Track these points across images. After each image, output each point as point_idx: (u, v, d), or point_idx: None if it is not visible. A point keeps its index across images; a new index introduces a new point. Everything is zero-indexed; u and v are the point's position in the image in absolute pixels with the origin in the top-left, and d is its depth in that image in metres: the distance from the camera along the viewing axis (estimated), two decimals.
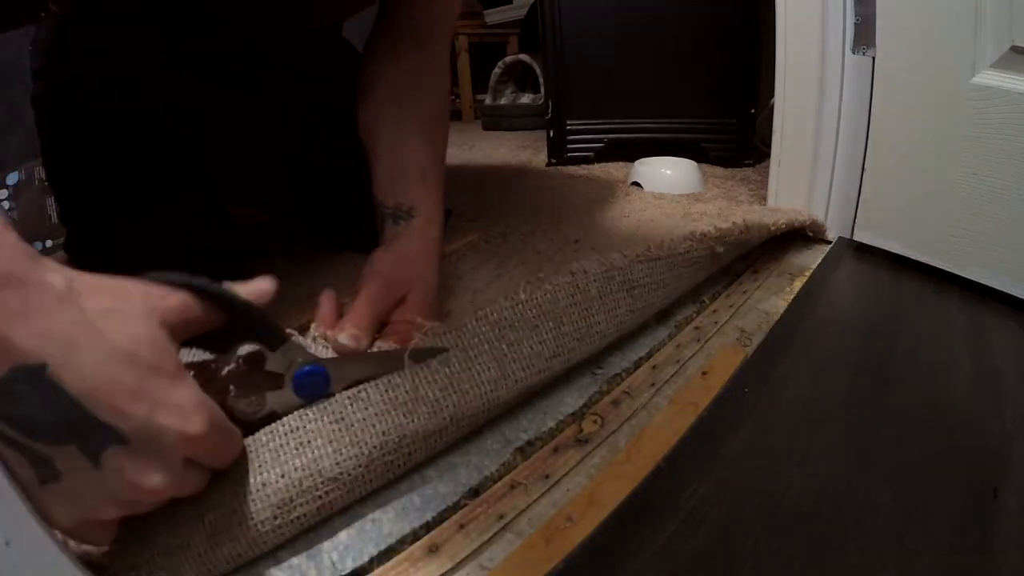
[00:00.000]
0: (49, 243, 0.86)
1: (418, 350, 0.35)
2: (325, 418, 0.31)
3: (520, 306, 0.39)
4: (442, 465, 0.35)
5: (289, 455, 0.30)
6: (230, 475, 0.28)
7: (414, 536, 0.30)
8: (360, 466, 0.31)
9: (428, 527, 0.31)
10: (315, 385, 0.32)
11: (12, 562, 0.20)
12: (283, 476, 0.29)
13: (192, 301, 0.27)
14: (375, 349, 0.41)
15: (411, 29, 0.56)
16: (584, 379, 0.43)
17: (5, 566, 0.20)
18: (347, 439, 0.31)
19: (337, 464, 0.30)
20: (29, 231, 0.85)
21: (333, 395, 0.32)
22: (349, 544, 0.30)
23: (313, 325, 0.44)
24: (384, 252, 0.48)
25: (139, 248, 0.50)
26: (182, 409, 0.24)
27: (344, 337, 0.40)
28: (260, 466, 0.29)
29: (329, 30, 0.71)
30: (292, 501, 0.29)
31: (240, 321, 0.29)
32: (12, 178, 0.86)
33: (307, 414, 0.31)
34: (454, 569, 0.29)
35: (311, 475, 0.29)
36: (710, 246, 0.51)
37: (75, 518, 0.24)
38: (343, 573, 0.28)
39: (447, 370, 0.35)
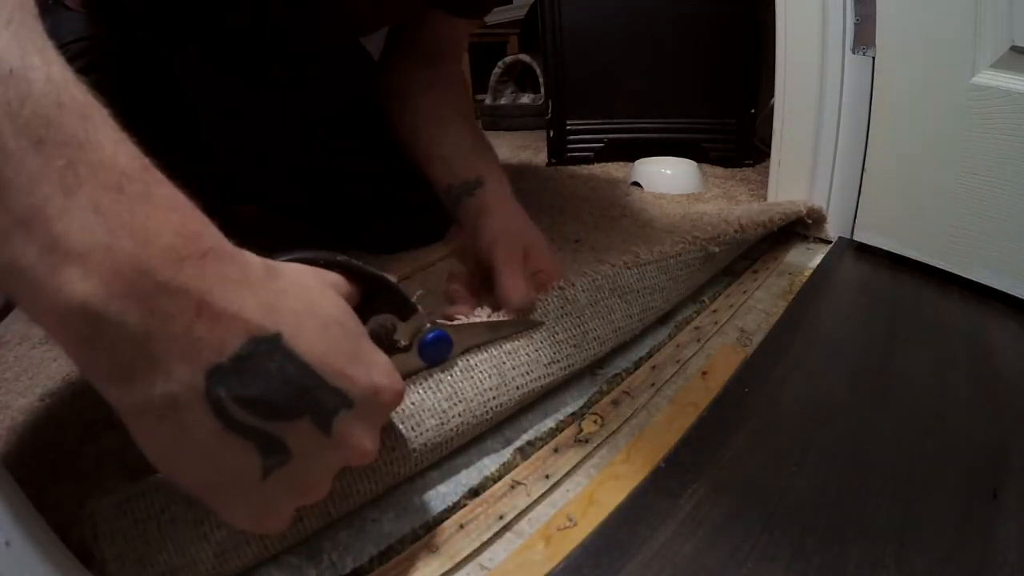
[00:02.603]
0: None
1: (516, 322, 0.38)
2: None
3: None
4: (442, 465, 0.35)
5: None
6: None
7: (414, 536, 0.30)
8: (365, 479, 0.31)
9: (428, 527, 0.31)
10: (440, 351, 0.35)
11: (12, 562, 0.20)
12: None
13: (342, 277, 0.27)
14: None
15: (425, 44, 0.59)
16: (584, 379, 0.43)
17: (5, 566, 0.20)
18: None
19: (340, 481, 0.30)
20: None
21: (455, 359, 0.36)
22: (349, 544, 0.30)
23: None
24: (487, 219, 0.49)
25: None
26: (388, 369, 0.25)
27: (516, 298, 0.40)
28: None
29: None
30: (300, 519, 0.29)
31: (377, 293, 0.30)
32: None
33: None
34: (454, 569, 0.29)
35: None
36: (703, 247, 0.51)
37: (292, 505, 0.24)
38: (343, 573, 0.28)
39: (449, 377, 0.35)
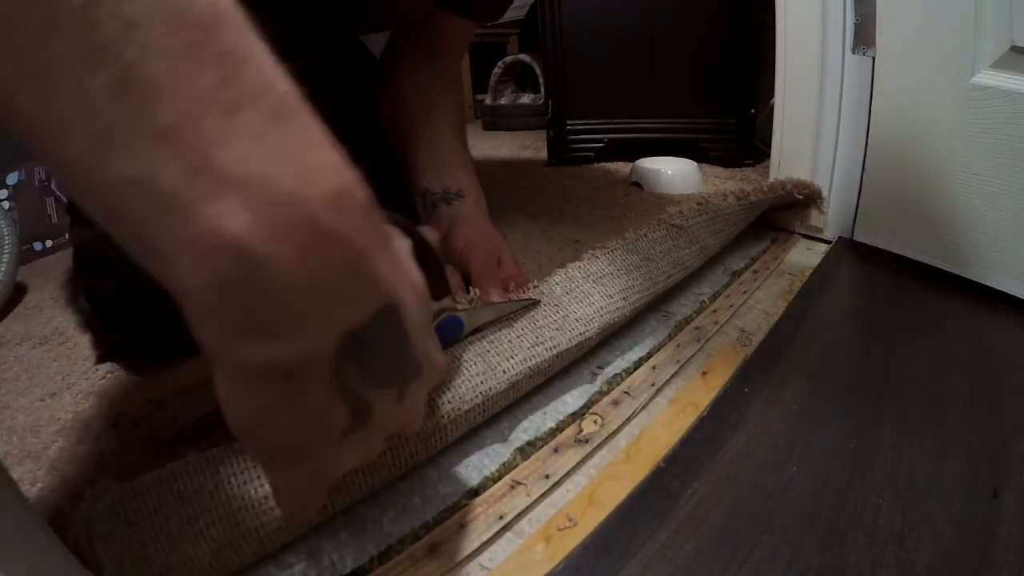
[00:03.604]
0: (49, 243, 0.86)
1: (517, 301, 0.41)
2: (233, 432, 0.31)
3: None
4: (442, 465, 0.35)
5: None
6: (227, 490, 0.28)
7: (414, 536, 0.30)
8: (362, 472, 0.31)
9: (428, 527, 0.31)
10: (454, 333, 0.37)
11: (11, 562, 0.20)
12: None
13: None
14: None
15: (427, 44, 0.60)
16: (584, 379, 0.43)
17: (4, 566, 0.20)
18: None
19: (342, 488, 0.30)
20: (29, 231, 0.85)
21: (463, 340, 0.38)
22: (349, 544, 0.30)
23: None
24: (461, 227, 0.52)
25: None
26: (436, 341, 0.25)
27: (495, 293, 0.44)
28: (260, 476, 0.28)
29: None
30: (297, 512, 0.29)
31: (420, 258, 0.30)
32: (12, 178, 0.86)
33: None
34: (454, 569, 0.29)
35: None
36: (666, 224, 0.53)
37: (348, 466, 0.23)
38: (343, 573, 0.28)
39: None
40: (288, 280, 0.16)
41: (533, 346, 0.39)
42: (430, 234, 0.32)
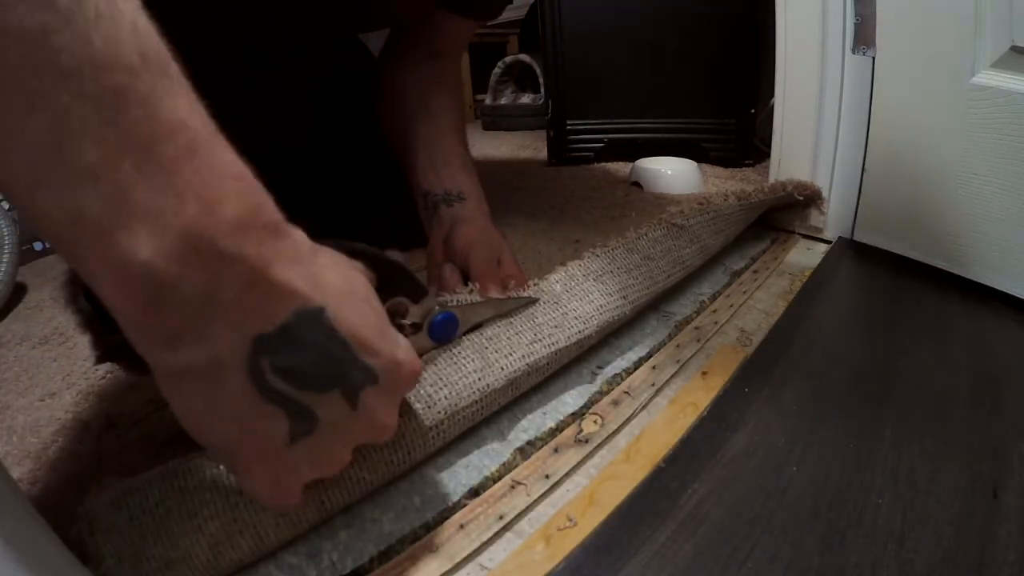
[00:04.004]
0: (49, 243, 0.86)
1: (517, 299, 0.41)
2: None
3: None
4: (442, 465, 0.35)
5: None
6: (225, 485, 0.28)
7: (414, 536, 0.30)
8: (361, 468, 0.31)
9: (428, 527, 0.31)
10: (448, 330, 0.37)
11: (11, 561, 0.20)
12: None
13: (362, 263, 0.28)
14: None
15: (427, 43, 0.60)
16: (584, 379, 0.43)
17: (3, 565, 0.20)
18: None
19: (338, 487, 0.30)
20: (29, 231, 0.85)
21: (461, 337, 0.38)
22: (349, 544, 0.30)
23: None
24: (463, 227, 0.52)
25: None
26: (407, 348, 0.26)
27: (494, 291, 0.44)
28: None
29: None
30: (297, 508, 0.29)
31: (392, 277, 0.32)
32: None
33: None
34: (454, 569, 0.29)
35: (316, 495, 0.29)
36: (666, 224, 0.53)
37: (311, 475, 0.24)
38: (343, 573, 0.28)
39: (434, 366, 0.35)
40: (193, 294, 0.18)
41: (531, 343, 0.39)
42: (395, 255, 0.34)
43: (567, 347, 0.41)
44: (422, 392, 0.34)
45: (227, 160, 0.19)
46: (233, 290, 0.19)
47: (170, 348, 0.19)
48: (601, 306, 0.43)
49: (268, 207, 0.20)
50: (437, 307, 0.36)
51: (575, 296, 0.43)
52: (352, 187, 0.67)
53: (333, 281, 0.22)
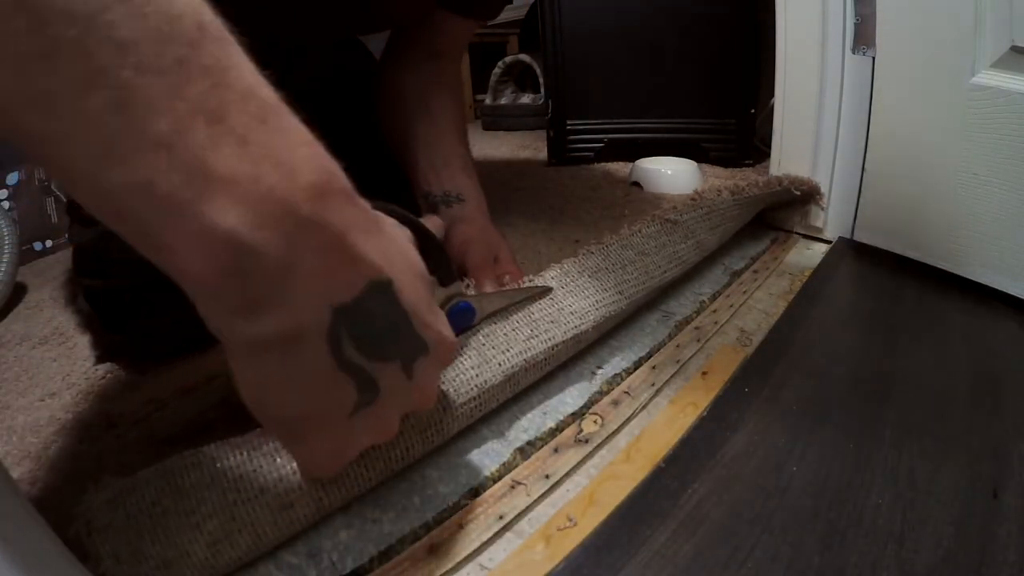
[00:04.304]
0: (49, 243, 0.86)
1: (530, 288, 0.42)
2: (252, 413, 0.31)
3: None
4: (442, 465, 0.35)
5: (286, 459, 0.29)
6: (223, 483, 0.28)
7: (414, 536, 0.30)
8: (361, 467, 0.31)
9: (428, 527, 0.31)
10: (466, 319, 0.38)
11: (11, 561, 0.20)
12: (280, 480, 0.29)
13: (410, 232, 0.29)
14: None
15: (428, 44, 0.61)
16: (584, 379, 0.43)
17: (3, 565, 0.20)
18: None
19: (338, 488, 0.30)
20: (29, 231, 0.85)
21: (478, 327, 0.39)
22: (349, 544, 0.30)
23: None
24: (461, 226, 0.53)
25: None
26: (447, 323, 0.27)
27: (490, 284, 0.47)
28: (255, 471, 0.29)
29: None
30: (292, 505, 0.29)
31: (428, 253, 0.31)
32: (12, 178, 0.86)
33: None
34: (454, 569, 0.29)
35: (313, 495, 0.29)
36: (660, 219, 0.53)
37: (366, 443, 0.25)
38: (343, 573, 0.28)
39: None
40: (276, 263, 0.18)
41: (528, 339, 0.39)
42: (433, 223, 0.33)
43: (564, 342, 0.41)
44: None
45: (297, 127, 0.19)
46: (314, 258, 0.19)
47: (249, 318, 0.19)
48: (597, 301, 0.44)
49: (340, 174, 0.20)
50: (457, 297, 0.37)
51: (570, 292, 0.44)
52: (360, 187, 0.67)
53: (396, 253, 0.23)
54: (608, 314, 0.44)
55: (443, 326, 0.26)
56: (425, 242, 0.31)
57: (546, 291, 0.42)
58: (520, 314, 0.41)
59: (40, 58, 0.15)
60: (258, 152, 0.18)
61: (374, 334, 0.22)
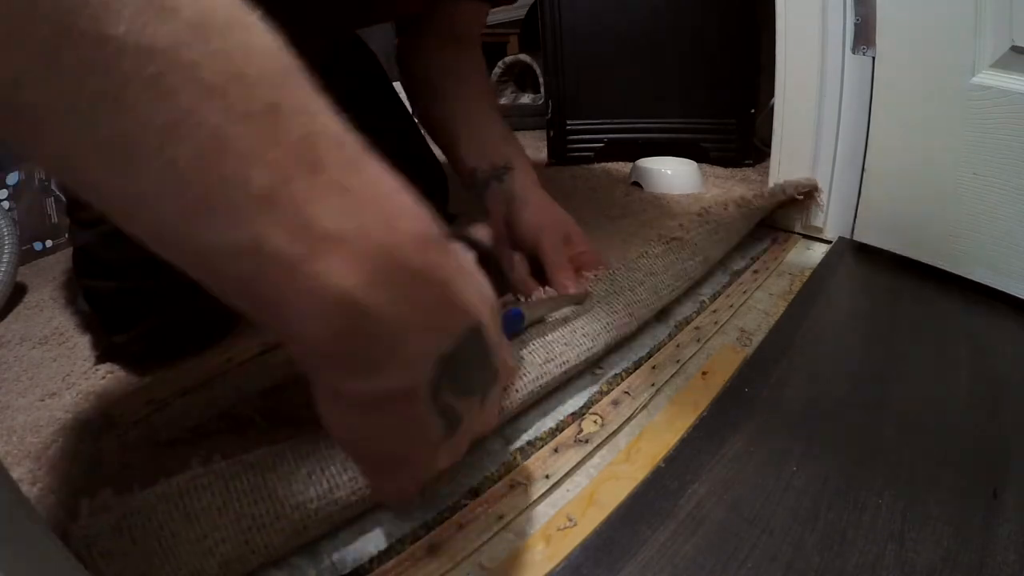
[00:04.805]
0: (49, 243, 0.86)
1: (570, 296, 0.44)
2: (338, 445, 0.30)
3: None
4: None
5: (302, 485, 0.29)
6: (236, 508, 0.28)
7: (414, 536, 0.30)
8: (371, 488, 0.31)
9: (428, 527, 0.31)
10: (515, 325, 0.39)
11: (10, 561, 0.20)
12: (297, 508, 0.28)
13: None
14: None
15: (448, 29, 0.61)
16: (584, 379, 0.43)
17: (3, 565, 0.20)
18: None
19: (353, 493, 0.30)
20: (29, 231, 0.85)
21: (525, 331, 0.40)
22: (349, 544, 0.30)
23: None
24: (523, 209, 0.52)
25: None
26: (510, 347, 0.26)
27: (572, 287, 0.47)
28: (270, 495, 0.28)
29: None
30: (307, 528, 0.29)
31: (487, 270, 0.32)
32: (12, 178, 0.86)
33: (320, 440, 0.30)
34: (454, 569, 0.29)
35: (327, 504, 0.29)
36: (665, 239, 0.54)
37: (444, 465, 0.24)
38: (343, 573, 0.28)
39: None
40: (389, 321, 0.17)
41: (544, 363, 0.39)
42: (483, 234, 0.34)
43: (575, 365, 0.41)
44: None
45: (386, 173, 0.18)
46: (425, 313, 0.18)
47: (363, 377, 0.18)
48: (608, 324, 0.44)
49: (432, 220, 0.19)
50: (508, 304, 0.38)
51: (584, 311, 0.44)
52: None
53: (478, 291, 0.21)
54: (619, 336, 0.45)
55: (508, 352, 0.25)
56: (485, 259, 0.31)
57: (585, 297, 0.44)
58: (536, 339, 0.41)
59: (112, 100, 0.13)
60: (360, 203, 0.16)
61: (466, 375, 0.21)
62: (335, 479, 0.29)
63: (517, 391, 0.37)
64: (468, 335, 0.20)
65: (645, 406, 0.40)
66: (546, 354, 0.40)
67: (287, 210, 0.15)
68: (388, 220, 0.17)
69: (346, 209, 0.16)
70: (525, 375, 0.38)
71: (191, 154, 0.14)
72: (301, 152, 0.15)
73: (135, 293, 0.46)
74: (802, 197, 0.66)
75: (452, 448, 0.24)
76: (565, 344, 0.41)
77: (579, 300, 0.44)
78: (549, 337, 0.41)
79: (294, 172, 0.15)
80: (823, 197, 0.67)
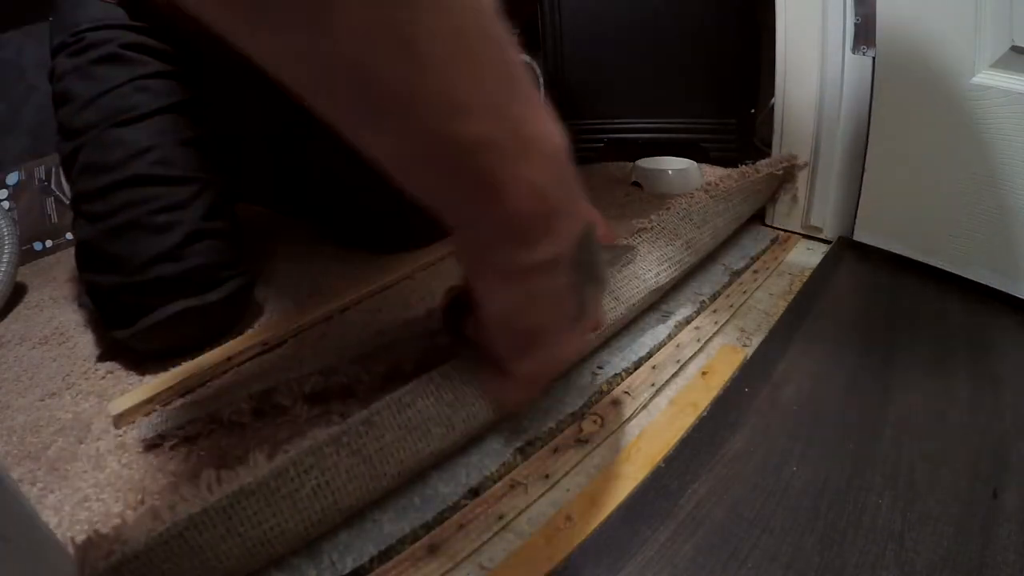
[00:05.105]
0: (49, 243, 0.86)
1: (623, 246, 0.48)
2: (342, 452, 0.29)
3: None
4: (442, 465, 0.35)
5: (307, 497, 0.28)
6: (240, 532, 0.27)
7: (414, 536, 0.30)
8: (378, 494, 0.31)
9: (428, 527, 0.31)
10: None
11: (10, 561, 0.20)
12: (302, 522, 0.28)
13: None
14: None
15: None
16: (584, 379, 0.43)
17: (3, 565, 0.20)
18: (367, 474, 0.30)
19: (358, 502, 0.30)
20: (29, 231, 0.85)
21: None
22: (349, 544, 0.30)
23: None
24: None
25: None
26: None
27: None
28: (275, 514, 0.27)
29: None
30: (314, 538, 0.29)
31: None
32: (12, 178, 0.86)
33: (323, 449, 0.29)
34: (454, 569, 0.29)
35: (332, 516, 0.29)
36: (636, 227, 0.55)
37: (572, 355, 0.37)
38: (343, 573, 0.29)
39: (449, 383, 0.34)
40: (554, 204, 0.26)
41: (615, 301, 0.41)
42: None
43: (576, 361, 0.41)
44: (440, 415, 0.33)
45: (539, 97, 0.26)
46: (570, 201, 0.27)
47: (530, 248, 0.26)
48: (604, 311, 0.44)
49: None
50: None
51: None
52: (356, 177, 0.66)
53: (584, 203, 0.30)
54: (615, 328, 0.45)
55: (604, 263, 0.32)
56: None
57: (631, 249, 0.48)
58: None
59: (406, 7, 0.19)
60: (543, 120, 0.25)
61: (587, 261, 0.29)
62: (341, 491, 0.29)
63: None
64: (589, 228, 0.29)
65: (645, 406, 0.40)
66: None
67: (508, 117, 0.23)
68: (550, 130, 0.26)
69: (538, 123, 0.25)
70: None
71: (465, 71, 0.21)
72: (516, 87, 0.24)
73: (138, 289, 0.46)
74: (781, 172, 0.66)
75: (576, 339, 0.32)
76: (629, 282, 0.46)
77: (623, 254, 0.47)
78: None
79: (508, 92, 0.24)
80: (822, 198, 0.67)
